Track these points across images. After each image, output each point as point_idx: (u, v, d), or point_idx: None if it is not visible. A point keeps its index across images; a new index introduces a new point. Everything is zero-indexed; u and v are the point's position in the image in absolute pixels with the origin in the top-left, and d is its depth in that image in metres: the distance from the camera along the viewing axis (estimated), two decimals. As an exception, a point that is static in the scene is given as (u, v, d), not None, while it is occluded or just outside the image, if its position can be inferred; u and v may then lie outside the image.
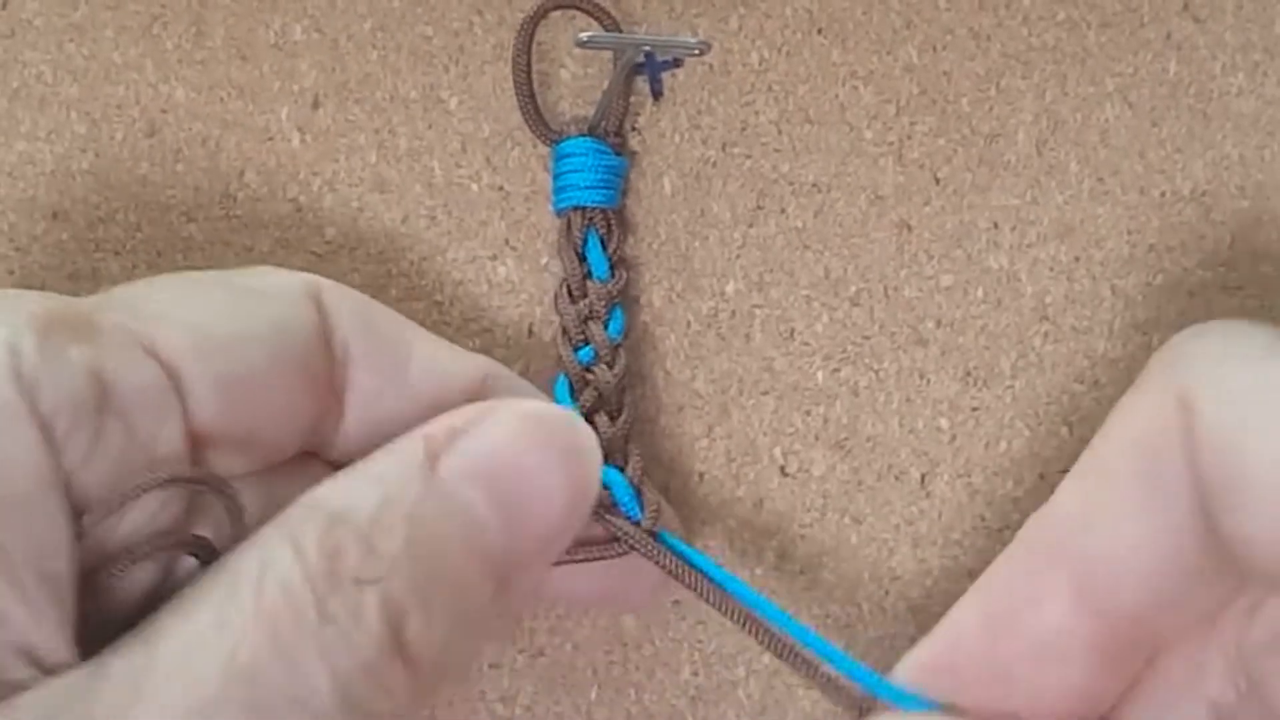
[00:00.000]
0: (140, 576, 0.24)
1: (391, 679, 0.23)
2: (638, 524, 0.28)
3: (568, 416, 0.26)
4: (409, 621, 0.23)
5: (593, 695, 0.31)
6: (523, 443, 0.25)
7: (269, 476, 0.27)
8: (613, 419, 0.29)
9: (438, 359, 0.28)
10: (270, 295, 0.26)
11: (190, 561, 0.25)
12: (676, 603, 0.31)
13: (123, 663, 0.22)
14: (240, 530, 0.25)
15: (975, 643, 0.25)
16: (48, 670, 0.22)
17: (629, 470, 0.29)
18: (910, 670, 0.26)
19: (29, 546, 0.22)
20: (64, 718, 0.21)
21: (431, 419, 0.26)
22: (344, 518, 0.23)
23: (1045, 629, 0.25)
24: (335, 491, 0.24)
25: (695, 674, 0.31)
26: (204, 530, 0.25)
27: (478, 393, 0.28)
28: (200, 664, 0.21)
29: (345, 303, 0.27)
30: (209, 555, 0.25)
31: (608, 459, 0.28)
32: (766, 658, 0.31)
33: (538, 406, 0.26)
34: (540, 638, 0.31)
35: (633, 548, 0.28)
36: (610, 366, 0.29)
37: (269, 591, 0.22)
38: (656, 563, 0.28)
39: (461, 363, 0.28)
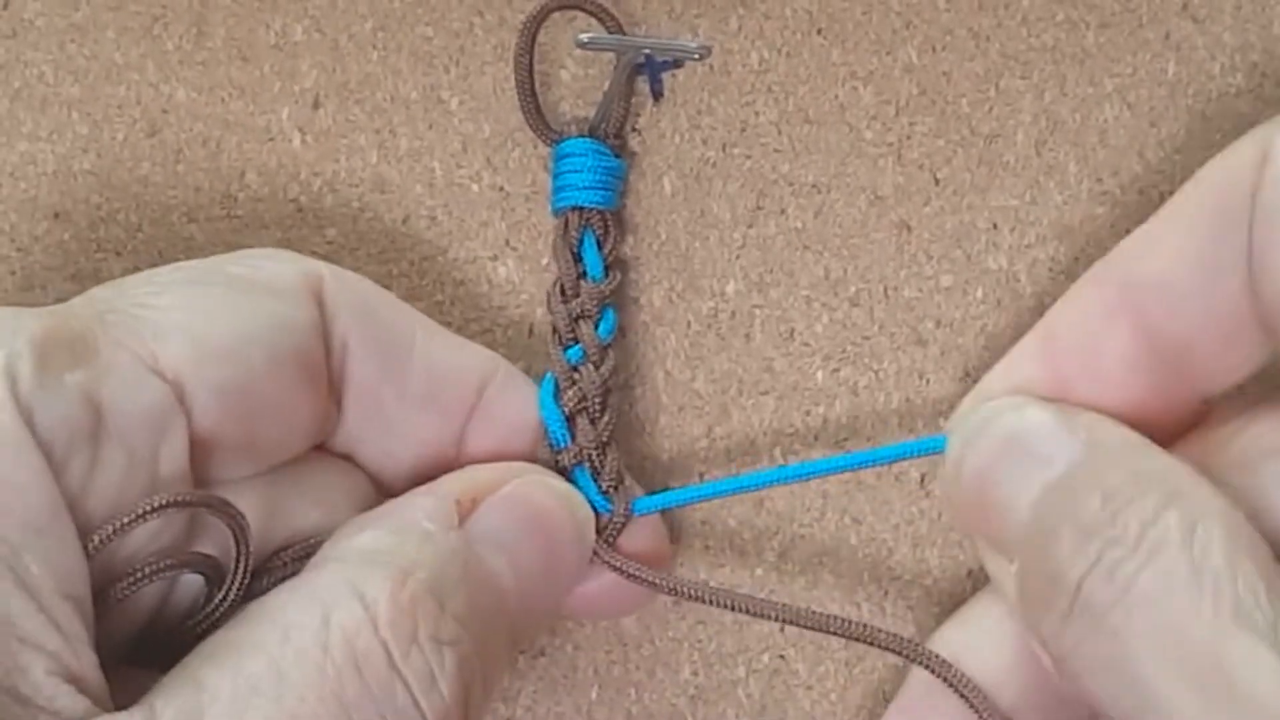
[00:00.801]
0: (144, 599, 0.24)
1: None
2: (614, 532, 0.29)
3: (568, 492, 0.27)
4: (478, 676, 0.23)
5: (593, 695, 0.31)
6: (537, 515, 0.26)
7: (277, 477, 0.26)
8: (594, 423, 0.29)
9: (439, 354, 0.28)
10: (269, 291, 0.26)
11: (193, 579, 0.25)
12: (676, 603, 0.31)
13: (172, 711, 0.21)
14: (246, 550, 0.24)
15: (1035, 365, 0.27)
16: (89, 689, 0.21)
17: (604, 476, 0.29)
18: (985, 386, 0.28)
19: (51, 571, 0.21)
20: None
21: (448, 475, 0.27)
22: (410, 575, 0.23)
23: (1100, 348, 0.26)
24: (382, 543, 0.24)
25: (695, 673, 0.31)
26: (206, 546, 0.25)
27: (478, 389, 0.28)
28: (254, 717, 0.21)
29: (346, 294, 0.27)
30: (215, 574, 0.24)
31: (581, 463, 0.29)
32: (766, 657, 0.31)
33: (545, 483, 0.27)
34: (540, 638, 0.31)
35: (641, 580, 0.28)
36: (597, 367, 0.29)
37: (334, 645, 0.22)
38: (661, 589, 0.28)
39: (463, 358, 0.28)
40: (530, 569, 0.26)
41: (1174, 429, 0.27)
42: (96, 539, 0.22)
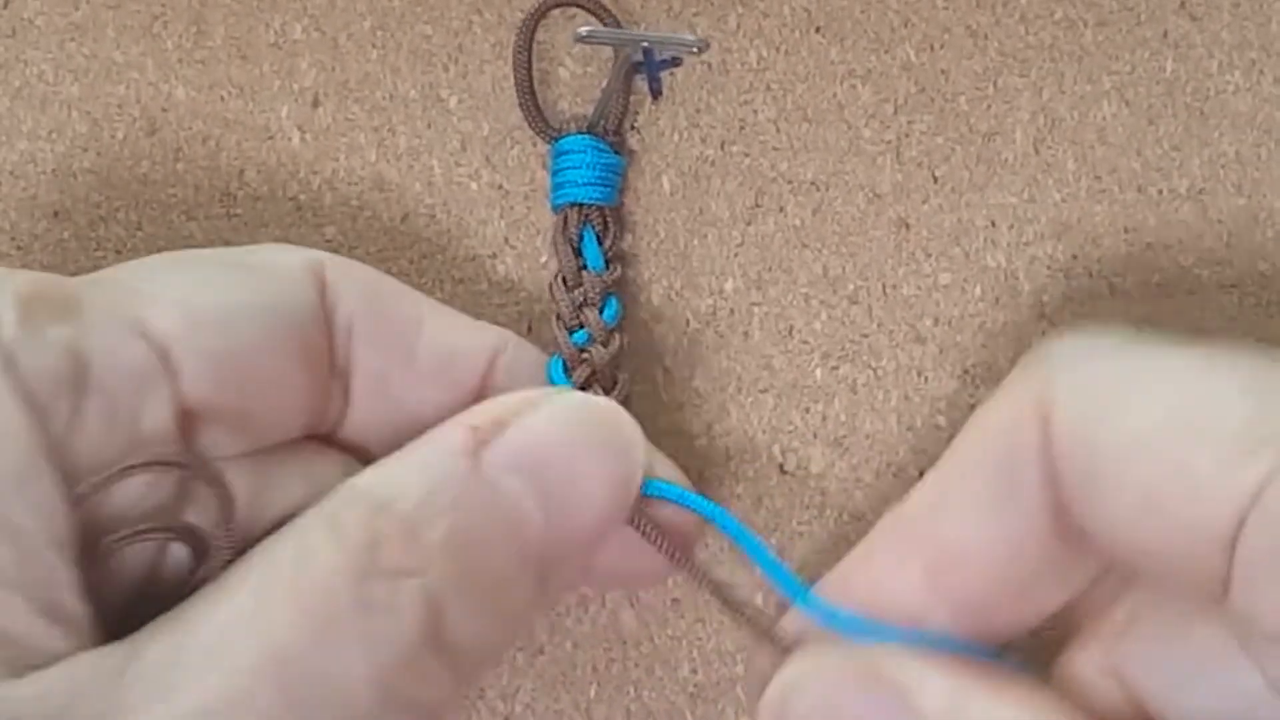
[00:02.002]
0: (130, 564, 0.24)
1: (429, 670, 0.23)
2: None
3: (613, 409, 0.26)
4: (448, 614, 0.23)
5: (592, 693, 0.31)
6: (568, 435, 0.25)
7: (269, 459, 0.26)
8: (606, 393, 0.29)
9: (448, 335, 0.28)
10: (267, 271, 0.26)
11: (180, 550, 0.25)
12: (675, 601, 0.31)
13: (157, 646, 0.21)
14: (230, 518, 0.24)
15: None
16: (75, 630, 0.21)
17: None
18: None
19: (31, 512, 0.22)
20: (95, 697, 0.21)
21: (474, 406, 0.25)
22: (387, 505, 0.23)
23: (905, 617, 0.25)
24: (378, 478, 0.24)
25: (694, 671, 0.31)
26: (194, 518, 0.25)
27: (489, 368, 0.28)
28: (236, 650, 0.21)
29: (350, 279, 0.27)
30: (199, 545, 0.24)
31: None
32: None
33: (583, 399, 0.26)
34: (540, 635, 0.31)
35: (660, 547, 0.27)
36: (605, 347, 0.29)
37: (307, 577, 0.22)
38: (677, 563, 0.27)
39: (473, 337, 0.28)
40: (560, 499, 0.24)
41: None
42: (82, 488, 0.23)
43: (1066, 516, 0.23)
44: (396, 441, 0.27)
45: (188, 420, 0.25)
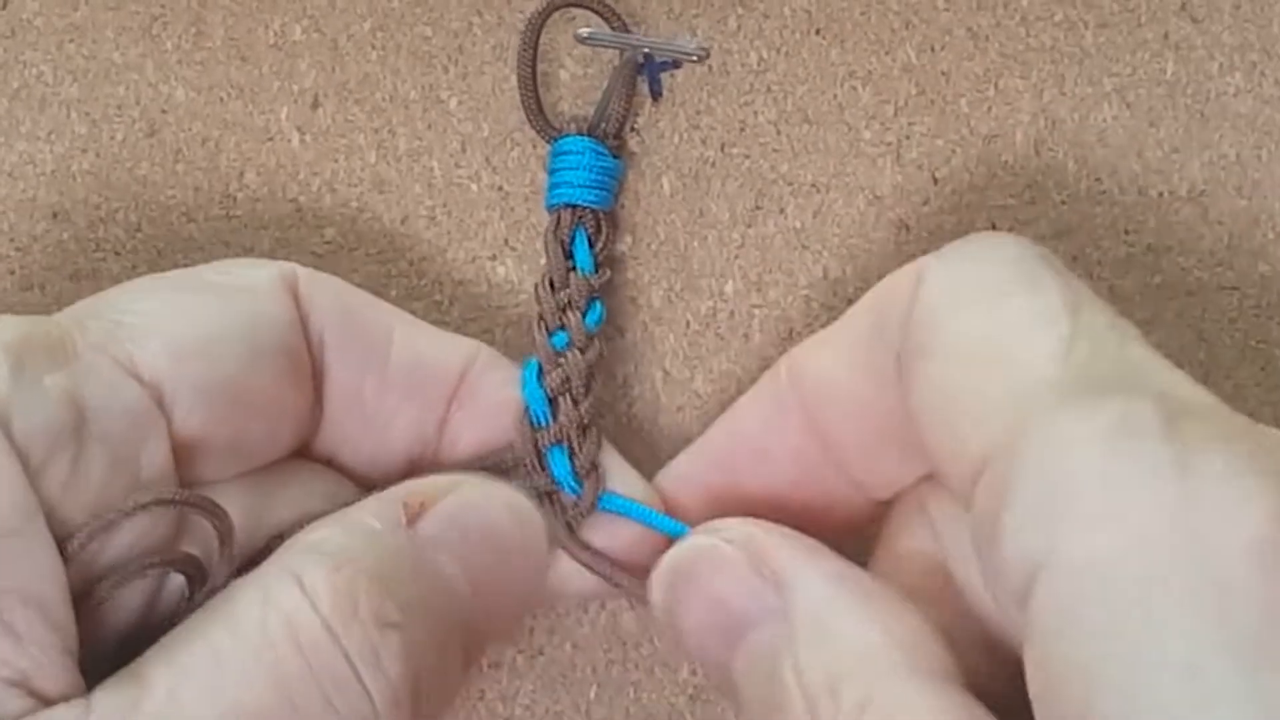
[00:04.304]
0: (130, 599, 0.24)
1: None
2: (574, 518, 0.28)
3: (521, 507, 0.27)
4: (426, 669, 0.23)
5: (592, 694, 0.31)
6: (488, 530, 0.26)
7: (260, 478, 0.26)
8: (576, 404, 0.29)
9: (419, 346, 0.28)
10: (245, 290, 0.26)
11: (179, 580, 0.24)
12: (675, 602, 0.31)
13: (111, 700, 0.21)
14: (229, 550, 0.24)
15: (711, 459, 0.28)
16: (50, 702, 0.21)
17: (580, 457, 0.29)
18: (665, 480, 0.29)
19: (12, 576, 0.21)
20: None
21: (403, 481, 0.26)
22: (350, 560, 0.23)
23: (773, 444, 0.27)
24: (327, 536, 0.24)
25: (694, 672, 0.31)
26: (193, 547, 0.24)
27: (460, 380, 0.28)
28: (192, 705, 0.21)
29: (321, 290, 0.27)
30: (199, 574, 0.24)
31: (560, 441, 0.29)
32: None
33: (498, 496, 0.26)
34: (539, 637, 0.31)
35: (595, 572, 0.28)
36: (583, 353, 0.29)
37: (273, 628, 0.22)
38: (611, 582, 0.28)
39: (444, 349, 0.28)
40: (482, 574, 0.25)
41: (856, 523, 0.27)
42: (77, 540, 0.22)
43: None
44: (368, 452, 0.28)
45: (182, 452, 0.24)
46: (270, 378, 0.25)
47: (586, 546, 0.28)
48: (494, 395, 0.28)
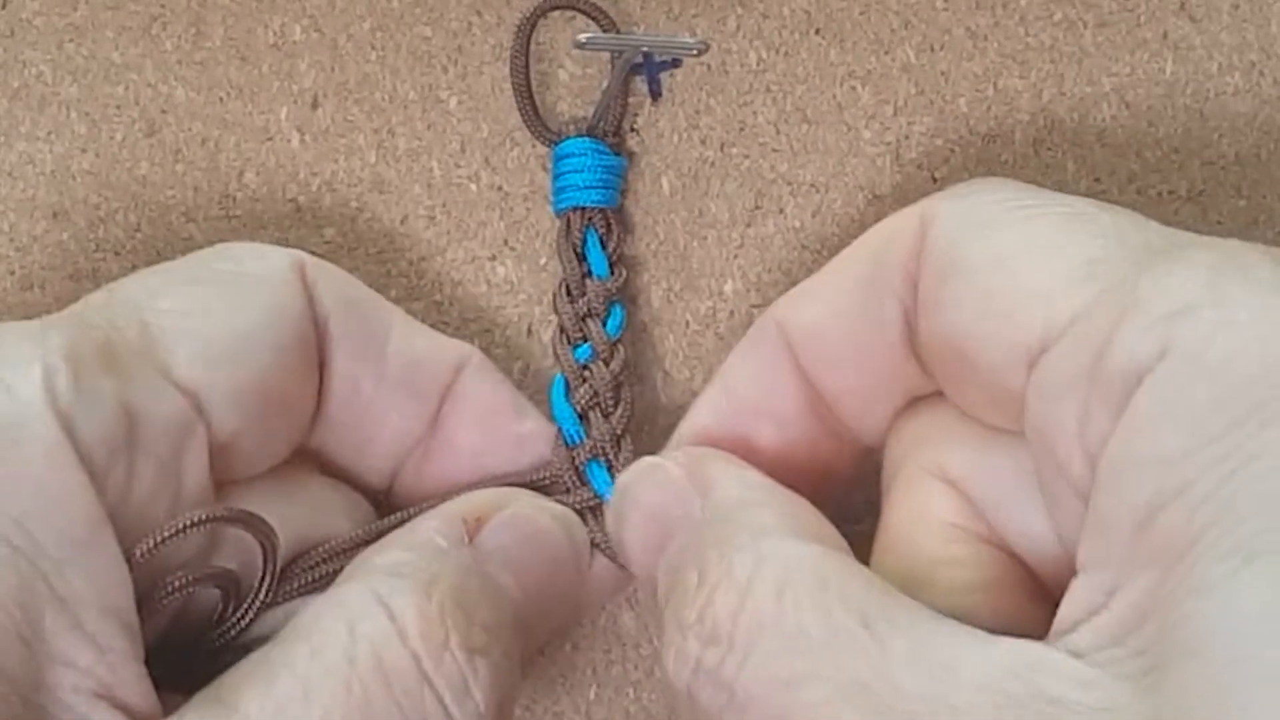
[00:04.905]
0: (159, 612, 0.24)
1: None
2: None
3: (570, 520, 0.27)
4: (509, 688, 0.23)
5: (591, 694, 0.31)
6: (542, 540, 0.27)
7: (265, 480, 0.26)
8: (607, 417, 0.29)
9: (415, 344, 0.28)
10: (263, 281, 0.26)
11: (212, 592, 0.24)
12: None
13: None
14: (274, 566, 0.24)
15: (716, 412, 0.28)
16: (132, 715, 0.21)
17: (618, 468, 0.29)
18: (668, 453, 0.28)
19: (90, 587, 0.21)
20: None
21: (458, 496, 0.27)
22: (435, 585, 0.23)
23: (772, 395, 0.27)
24: (403, 559, 0.24)
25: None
26: (222, 558, 0.24)
27: (453, 371, 0.28)
28: None
29: (328, 280, 0.27)
30: (234, 588, 0.24)
31: (597, 456, 0.29)
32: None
33: (550, 510, 0.27)
34: (539, 637, 0.31)
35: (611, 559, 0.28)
36: (607, 364, 0.29)
37: (360, 657, 0.22)
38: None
39: (438, 349, 0.28)
40: (535, 586, 0.26)
41: (839, 471, 0.28)
42: (140, 550, 0.22)
43: (914, 325, 0.25)
44: (357, 449, 0.28)
45: (217, 456, 0.24)
46: (291, 372, 0.25)
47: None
48: (485, 392, 0.28)
